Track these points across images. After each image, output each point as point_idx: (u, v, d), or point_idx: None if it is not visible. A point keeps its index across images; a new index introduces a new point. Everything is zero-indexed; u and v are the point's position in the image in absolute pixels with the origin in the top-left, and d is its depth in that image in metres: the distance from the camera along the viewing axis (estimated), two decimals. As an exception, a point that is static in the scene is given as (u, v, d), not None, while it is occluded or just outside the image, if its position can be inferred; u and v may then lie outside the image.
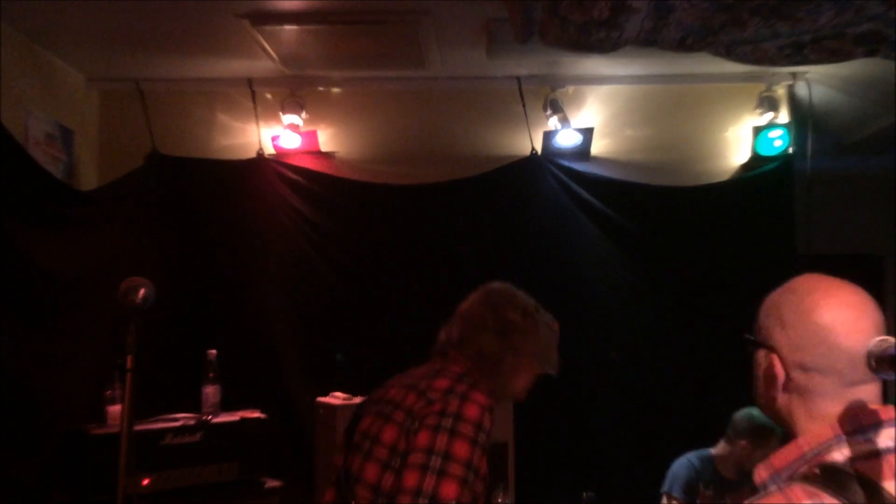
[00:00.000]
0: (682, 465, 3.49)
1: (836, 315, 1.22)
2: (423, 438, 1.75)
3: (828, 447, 1.17)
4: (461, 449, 1.73)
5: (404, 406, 1.84)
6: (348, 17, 3.48)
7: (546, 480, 3.95)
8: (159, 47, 3.86)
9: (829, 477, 1.12)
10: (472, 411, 1.79)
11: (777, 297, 1.31)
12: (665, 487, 3.50)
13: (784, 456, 1.21)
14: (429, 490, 1.68)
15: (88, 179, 4.17)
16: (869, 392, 1.22)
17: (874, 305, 1.25)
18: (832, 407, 1.21)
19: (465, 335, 2.01)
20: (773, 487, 1.19)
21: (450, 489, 1.69)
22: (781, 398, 1.25)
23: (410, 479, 1.70)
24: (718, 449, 3.46)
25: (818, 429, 1.19)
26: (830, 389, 1.21)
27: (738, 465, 3.38)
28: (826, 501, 1.09)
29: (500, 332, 2.01)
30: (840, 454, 1.15)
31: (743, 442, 3.35)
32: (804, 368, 1.22)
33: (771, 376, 1.25)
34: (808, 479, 1.14)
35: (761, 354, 1.29)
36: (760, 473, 1.23)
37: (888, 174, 4.77)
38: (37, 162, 3.43)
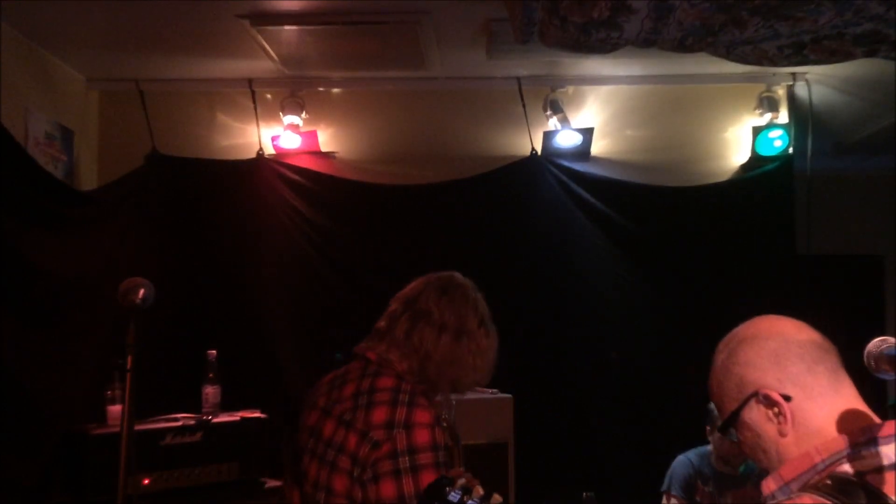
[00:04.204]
0: (682, 463, 3.49)
1: (776, 326, 1.28)
2: (388, 489, 1.67)
3: (839, 458, 1.16)
4: (429, 481, 1.65)
5: (347, 451, 1.73)
6: (348, 18, 3.48)
7: (546, 480, 3.95)
8: (159, 47, 3.86)
9: (838, 487, 1.11)
10: (421, 438, 1.71)
11: (717, 365, 1.33)
12: (665, 486, 3.50)
13: (795, 467, 1.20)
14: None
15: (88, 179, 4.17)
16: (847, 378, 1.25)
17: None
18: (832, 402, 1.21)
19: (415, 331, 1.88)
20: (781, 497, 1.18)
21: None
22: (790, 428, 1.23)
23: None
24: (712, 446, 3.48)
25: (830, 440, 1.19)
26: (824, 383, 1.22)
27: (725, 456, 3.38)
28: None
29: (456, 337, 1.87)
30: (850, 466, 1.15)
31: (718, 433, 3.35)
32: (793, 380, 1.23)
33: (774, 413, 1.24)
34: (818, 488, 1.13)
35: (747, 412, 1.27)
36: (769, 485, 1.22)
37: (888, 174, 4.77)
38: (37, 162, 3.43)
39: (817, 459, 1.18)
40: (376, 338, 1.96)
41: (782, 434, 1.23)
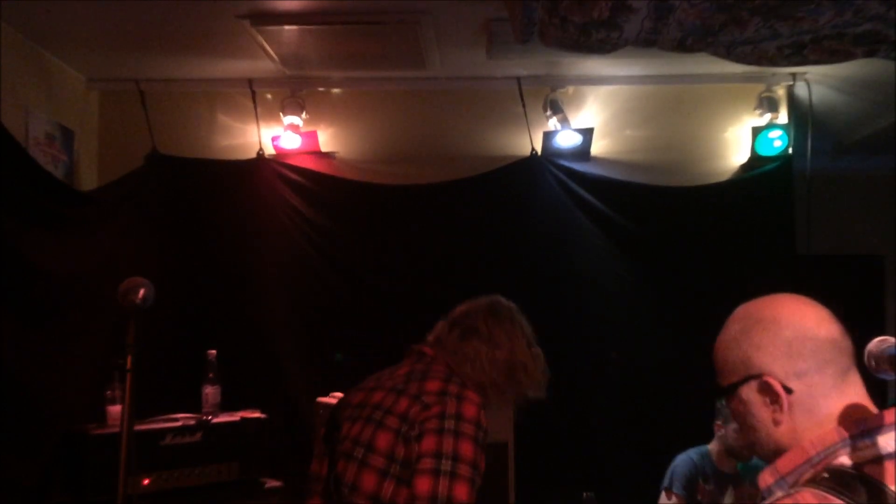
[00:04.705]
0: (683, 461, 3.50)
1: (798, 315, 1.25)
2: (428, 443, 1.73)
3: (834, 450, 1.16)
4: (467, 449, 1.74)
5: (397, 411, 1.81)
6: (348, 18, 3.48)
7: (546, 480, 3.95)
8: (159, 47, 3.86)
9: (837, 480, 1.11)
10: (470, 410, 1.79)
11: (730, 333, 1.31)
12: (665, 483, 3.51)
13: (790, 460, 1.20)
14: (444, 494, 1.69)
15: (88, 179, 4.17)
16: (856, 382, 1.23)
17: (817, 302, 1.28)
18: (835, 404, 1.21)
19: (467, 343, 1.96)
20: (779, 492, 1.18)
21: (462, 491, 1.70)
22: (786, 418, 1.23)
23: (423, 485, 1.70)
24: (713, 444, 3.48)
25: (823, 432, 1.19)
26: (829, 385, 1.21)
27: (731, 452, 3.39)
28: None
29: (510, 355, 1.97)
30: (847, 458, 1.15)
31: (734, 425, 3.37)
32: (800, 374, 1.22)
33: (770, 400, 1.24)
34: (816, 482, 1.13)
35: (746, 390, 1.27)
36: (765, 478, 1.22)
37: (888, 174, 4.77)
38: (37, 162, 3.43)
39: (812, 452, 1.18)
40: (427, 344, 2.04)
41: (776, 422, 1.24)
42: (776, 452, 1.25)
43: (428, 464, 1.72)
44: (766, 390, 1.24)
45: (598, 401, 4.14)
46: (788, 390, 1.22)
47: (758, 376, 1.24)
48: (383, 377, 1.96)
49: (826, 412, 1.21)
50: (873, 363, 1.23)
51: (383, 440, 1.79)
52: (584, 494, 3.23)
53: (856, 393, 1.23)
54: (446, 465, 1.71)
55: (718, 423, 3.47)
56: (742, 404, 1.28)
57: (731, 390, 1.28)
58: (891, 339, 1.19)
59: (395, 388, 1.88)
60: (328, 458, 1.92)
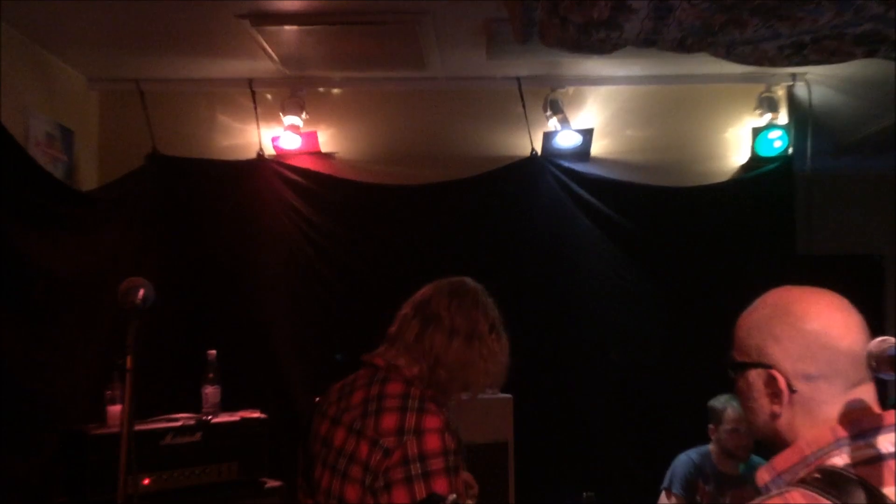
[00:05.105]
0: (682, 461, 3.51)
1: (827, 319, 1.23)
2: (400, 496, 1.67)
3: (828, 451, 1.17)
4: (441, 487, 1.68)
5: (359, 460, 1.74)
6: (348, 18, 3.48)
7: (546, 480, 3.95)
8: (159, 47, 3.86)
9: (828, 481, 1.12)
10: (432, 444, 1.71)
11: (758, 314, 1.29)
12: (665, 483, 3.51)
13: (786, 459, 1.21)
14: None
15: (88, 179, 4.17)
16: (867, 392, 1.22)
17: (853, 306, 1.26)
18: (834, 411, 1.20)
19: (425, 335, 1.88)
20: (773, 491, 1.18)
21: None
22: (784, 412, 1.23)
23: None
24: (713, 445, 3.49)
25: (819, 432, 1.19)
26: (836, 393, 1.21)
27: (728, 453, 3.40)
28: None
29: (467, 342, 1.87)
30: (840, 458, 1.15)
31: (727, 427, 3.38)
32: (808, 378, 1.21)
33: (773, 393, 1.24)
34: (807, 483, 1.14)
35: (754, 374, 1.27)
36: (762, 476, 1.23)
37: (888, 174, 4.77)
38: (37, 162, 3.43)
39: (807, 452, 1.19)
40: (387, 343, 1.96)
41: (774, 415, 1.24)
42: (771, 440, 1.26)
43: None
44: (771, 383, 1.24)
45: (598, 401, 4.14)
46: (793, 389, 1.22)
47: (767, 367, 1.24)
48: (341, 402, 1.87)
49: (824, 417, 1.21)
50: (873, 363, 1.23)
51: (352, 493, 1.73)
52: (584, 494, 3.24)
53: (862, 407, 1.21)
54: None
55: (711, 426, 3.47)
56: (747, 386, 1.28)
57: (741, 369, 1.29)
58: (891, 339, 1.18)
59: (353, 427, 1.79)
60: (311, 500, 1.89)
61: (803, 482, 1.14)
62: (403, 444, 1.70)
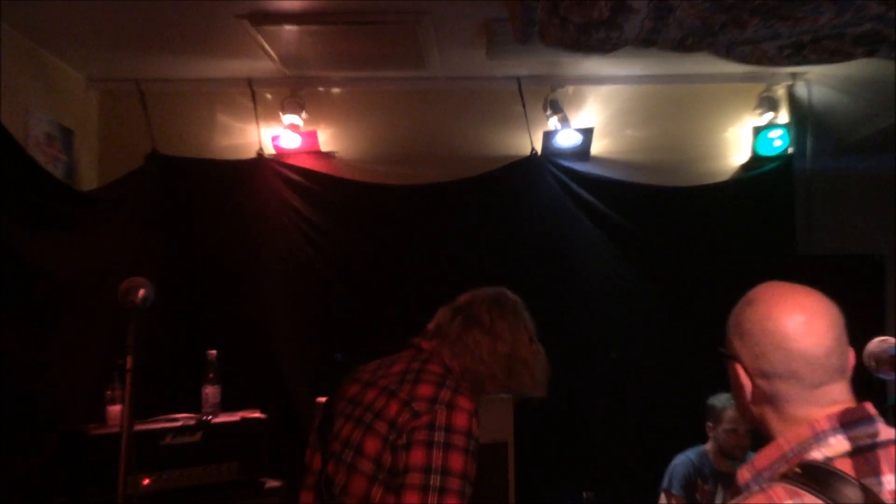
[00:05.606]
0: (681, 461, 3.51)
1: (787, 320, 1.24)
2: (417, 456, 1.70)
3: (807, 446, 1.18)
4: (457, 462, 1.70)
5: (386, 416, 1.77)
6: (348, 18, 3.48)
7: (546, 480, 3.95)
8: (159, 47, 3.86)
9: (809, 475, 1.14)
10: (461, 420, 1.75)
11: (737, 308, 1.32)
12: (664, 484, 3.51)
13: (766, 456, 1.23)
14: None
15: (88, 179, 4.17)
16: (838, 391, 1.23)
17: (828, 308, 1.26)
18: (802, 410, 1.22)
19: (468, 334, 1.92)
20: (755, 488, 1.20)
21: None
22: (753, 407, 1.27)
23: (412, 500, 1.67)
24: (710, 444, 3.49)
25: (797, 429, 1.21)
26: (795, 393, 1.23)
27: (725, 453, 3.40)
28: (806, 499, 1.11)
29: (511, 350, 1.92)
30: (819, 452, 1.17)
31: (725, 427, 3.38)
32: (765, 375, 1.24)
33: (738, 386, 1.28)
34: (789, 478, 1.16)
35: (730, 366, 1.31)
36: (743, 474, 1.25)
37: (888, 174, 4.76)
38: (37, 162, 3.43)
39: (786, 448, 1.20)
40: (428, 335, 1.99)
41: (747, 406, 1.28)
42: (752, 425, 1.30)
43: (417, 479, 1.68)
44: (736, 377, 1.28)
45: (598, 401, 4.14)
46: (754, 386, 1.26)
47: (736, 361, 1.28)
48: (379, 371, 1.93)
49: (792, 413, 1.23)
50: (873, 363, 1.23)
51: (371, 445, 1.76)
52: (584, 494, 3.24)
53: (828, 405, 1.22)
54: (435, 480, 1.68)
55: (709, 424, 3.48)
56: (730, 375, 1.32)
57: (723, 357, 1.33)
58: (891, 339, 1.19)
59: (387, 388, 1.84)
60: (321, 453, 1.91)
61: (785, 477, 1.16)
62: (434, 412, 1.75)
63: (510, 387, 1.96)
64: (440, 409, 1.75)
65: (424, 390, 1.79)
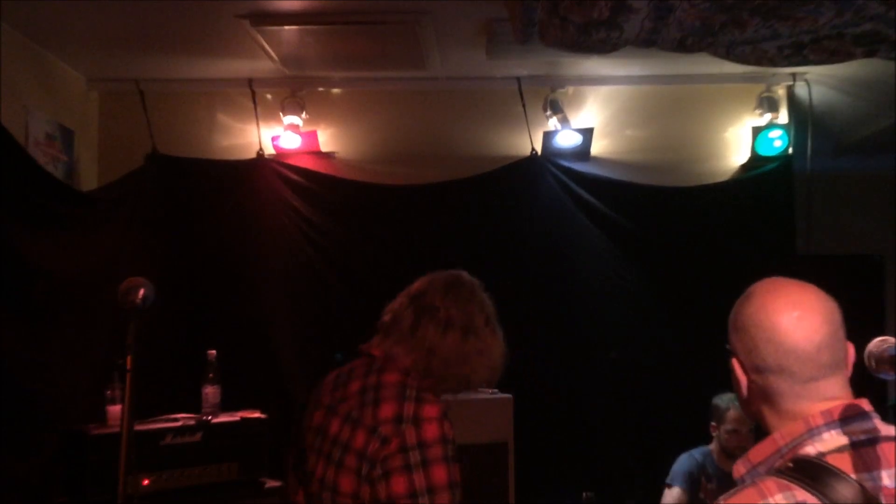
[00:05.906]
0: (685, 459, 3.51)
1: (780, 315, 1.25)
2: (399, 484, 1.65)
3: (801, 441, 1.19)
4: (440, 475, 1.67)
5: (354, 448, 1.72)
6: (348, 18, 3.48)
7: (546, 480, 3.95)
8: (159, 47, 3.86)
9: (801, 470, 1.15)
10: (430, 432, 1.70)
11: (737, 304, 1.33)
12: (668, 480, 3.51)
13: (761, 451, 1.24)
14: None
15: (88, 179, 4.17)
16: (832, 387, 1.23)
17: (824, 303, 1.26)
18: (795, 405, 1.23)
19: (420, 325, 1.87)
20: (748, 481, 1.21)
21: None
22: (751, 401, 1.29)
23: None
24: (714, 444, 3.49)
25: (791, 424, 1.22)
26: (787, 388, 1.23)
27: (728, 453, 3.40)
28: (797, 494, 1.11)
29: (462, 335, 1.85)
30: (813, 447, 1.18)
31: (728, 427, 3.38)
32: (758, 370, 1.26)
33: (736, 381, 1.30)
34: (781, 472, 1.16)
35: (730, 361, 1.32)
36: (738, 468, 1.27)
37: (888, 174, 4.76)
38: (37, 162, 3.43)
39: (781, 443, 1.21)
40: (381, 332, 1.95)
41: (745, 399, 1.30)
42: (752, 419, 1.32)
43: None
44: (734, 371, 1.30)
45: (598, 401, 4.13)
46: (749, 380, 1.27)
47: (733, 355, 1.30)
48: (337, 392, 1.86)
49: (789, 410, 1.24)
50: (873, 363, 1.24)
51: (346, 483, 1.72)
52: (584, 494, 3.24)
53: (822, 400, 1.22)
54: (423, 501, 1.65)
55: (713, 424, 3.48)
56: (731, 368, 1.33)
57: (726, 354, 1.34)
58: (891, 339, 1.19)
59: (350, 415, 1.78)
60: (303, 490, 1.87)
61: (778, 472, 1.17)
62: (402, 433, 1.69)
63: (463, 374, 1.87)
64: (407, 427, 1.69)
65: (386, 411, 1.73)
